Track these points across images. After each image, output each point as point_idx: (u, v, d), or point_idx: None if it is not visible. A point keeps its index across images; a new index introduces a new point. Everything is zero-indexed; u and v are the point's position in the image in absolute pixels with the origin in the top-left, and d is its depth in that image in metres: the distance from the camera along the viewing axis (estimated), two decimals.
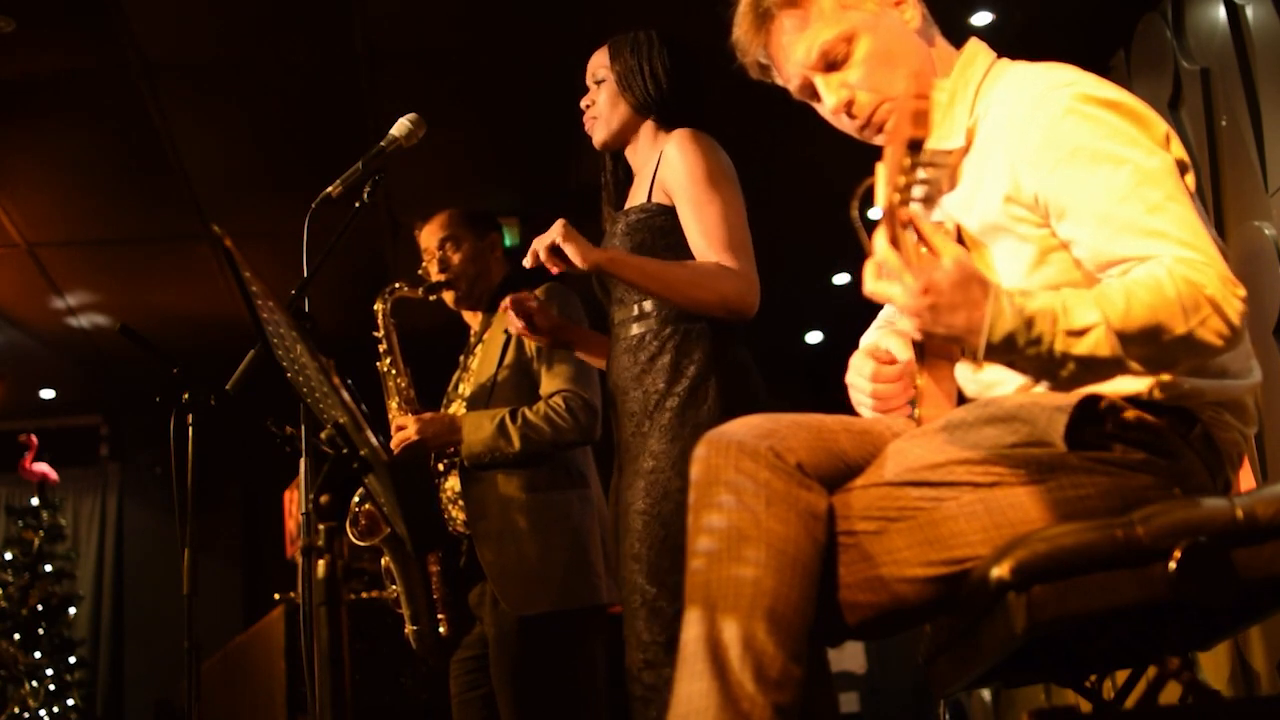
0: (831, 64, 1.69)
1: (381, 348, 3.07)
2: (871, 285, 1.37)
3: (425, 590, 2.96)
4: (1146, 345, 1.40)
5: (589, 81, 2.54)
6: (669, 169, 2.38)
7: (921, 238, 1.35)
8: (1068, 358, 1.39)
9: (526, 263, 2.29)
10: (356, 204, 2.45)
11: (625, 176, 2.58)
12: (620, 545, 2.28)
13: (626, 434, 2.36)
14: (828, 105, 1.71)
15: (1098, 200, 1.48)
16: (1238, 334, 1.42)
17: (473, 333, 3.17)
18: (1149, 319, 1.39)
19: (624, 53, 2.50)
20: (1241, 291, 1.41)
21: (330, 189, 2.37)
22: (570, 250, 2.22)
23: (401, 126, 2.49)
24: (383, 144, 2.46)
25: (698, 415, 2.26)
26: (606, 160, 2.60)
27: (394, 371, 3.05)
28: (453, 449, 2.92)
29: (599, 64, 2.53)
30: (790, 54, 1.71)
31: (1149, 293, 1.39)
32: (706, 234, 2.32)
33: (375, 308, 3.13)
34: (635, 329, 2.38)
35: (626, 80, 2.48)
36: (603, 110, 2.50)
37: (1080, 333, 1.38)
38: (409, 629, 2.98)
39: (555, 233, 2.24)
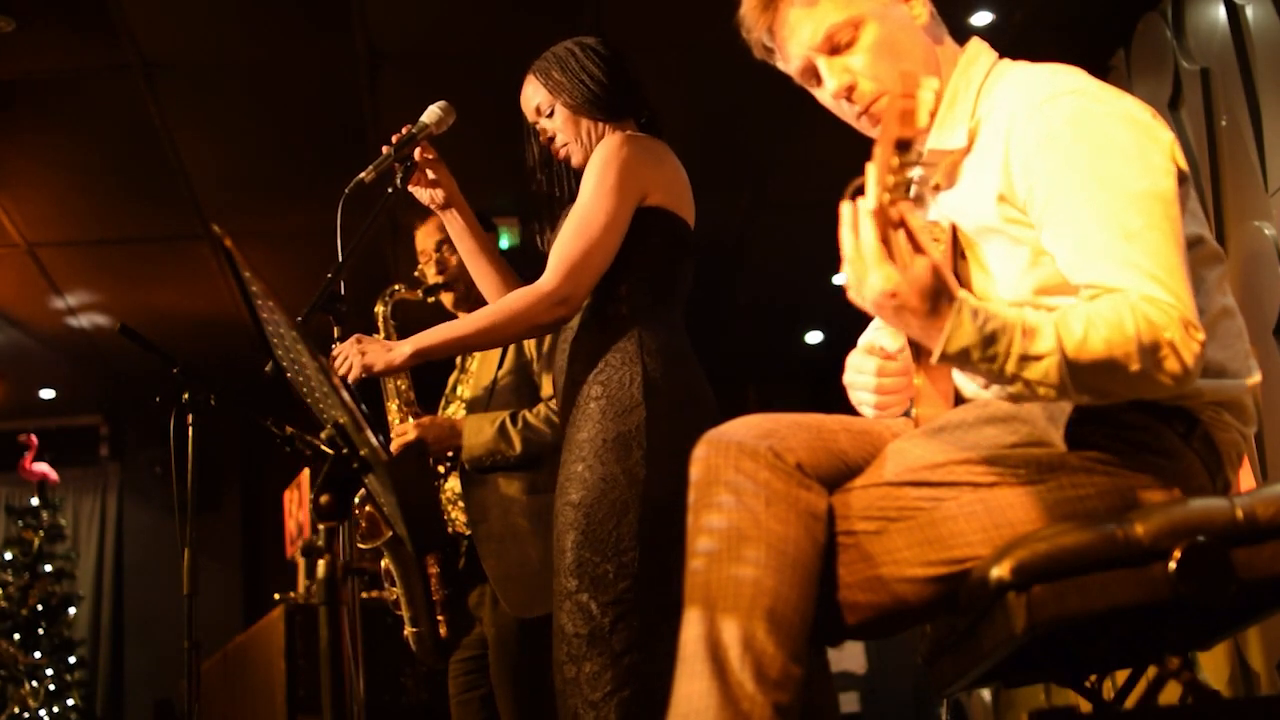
0: (836, 48, 1.68)
1: None
2: (849, 261, 1.39)
3: (425, 592, 2.96)
4: (1097, 377, 1.40)
5: (532, 118, 2.47)
6: (586, 170, 2.37)
7: (909, 233, 1.36)
8: (1017, 379, 1.41)
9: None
10: (389, 189, 2.46)
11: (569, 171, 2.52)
12: (552, 538, 2.28)
13: (565, 429, 2.35)
14: (829, 88, 1.70)
15: (1078, 219, 1.48)
16: (1190, 376, 1.42)
17: None
18: (1104, 353, 1.39)
19: (554, 75, 2.42)
20: (1201, 336, 1.42)
21: (363, 175, 2.38)
22: (377, 366, 2.31)
23: (431, 113, 2.47)
24: (413, 130, 2.44)
25: (620, 406, 2.24)
26: (547, 159, 2.53)
27: (393, 374, 3.04)
28: (453, 452, 2.92)
29: (535, 98, 2.45)
30: (796, 32, 1.70)
31: (1109, 328, 1.39)
32: (558, 243, 2.32)
33: (375, 310, 3.12)
34: (571, 322, 2.39)
35: (578, 99, 2.40)
36: (569, 135, 2.43)
37: (1035, 358, 1.40)
38: (409, 631, 2.98)
39: (356, 361, 2.31)
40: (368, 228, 2.40)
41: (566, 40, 2.48)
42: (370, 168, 2.39)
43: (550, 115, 2.44)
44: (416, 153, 2.47)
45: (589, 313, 2.36)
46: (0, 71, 4.47)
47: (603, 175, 2.31)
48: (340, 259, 2.37)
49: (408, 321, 3.14)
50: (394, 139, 2.44)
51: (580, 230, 2.29)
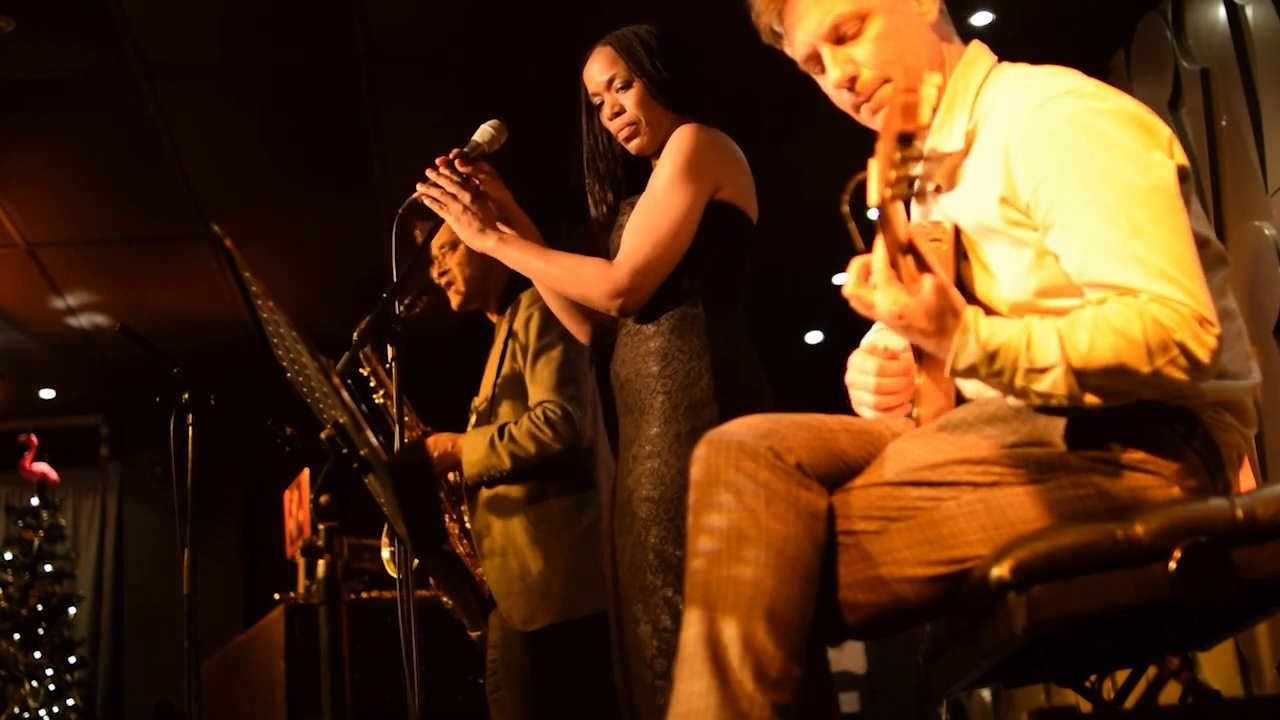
0: (841, 38, 1.69)
1: (371, 383, 3.00)
2: (852, 289, 1.43)
3: (475, 595, 2.97)
4: (1108, 381, 1.43)
5: (600, 89, 2.39)
6: (661, 159, 2.35)
7: (916, 252, 1.38)
8: (1028, 391, 1.45)
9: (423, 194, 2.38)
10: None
11: (627, 161, 2.49)
12: (624, 532, 2.27)
13: (627, 423, 2.35)
14: (831, 78, 1.71)
15: (1084, 218, 1.48)
16: (1206, 370, 1.43)
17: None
18: (1112, 360, 1.41)
19: (638, 53, 2.37)
20: (1217, 330, 1.42)
21: (416, 194, 2.38)
22: (465, 239, 2.38)
23: (484, 132, 2.43)
24: (465, 150, 2.41)
25: (690, 400, 2.25)
26: (599, 144, 2.50)
27: (388, 403, 2.97)
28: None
29: (609, 68, 2.38)
30: (803, 20, 1.70)
31: (1115, 335, 1.41)
32: (630, 233, 2.31)
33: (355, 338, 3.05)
34: (635, 317, 2.38)
35: (656, 82, 2.36)
36: (638, 115, 2.36)
37: (1040, 371, 1.43)
38: (447, 604, 3.02)
39: (460, 200, 2.35)
40: (422, 248, 2.45)
41: (637, 25, 2.44)
42: (424, 186, 2.39)
43: (623, 90, 2.37)
44: (481, 180, 2.44)
45: (654, 306, 2.34)
46: (0, 71, 4.47)
47: (676, 166, 2.29)
48: (395, 279, 2.39)
49: (426, 322, 3.13)
50: (438, 161, 2.40)
51: (652, 225, 2.28)
